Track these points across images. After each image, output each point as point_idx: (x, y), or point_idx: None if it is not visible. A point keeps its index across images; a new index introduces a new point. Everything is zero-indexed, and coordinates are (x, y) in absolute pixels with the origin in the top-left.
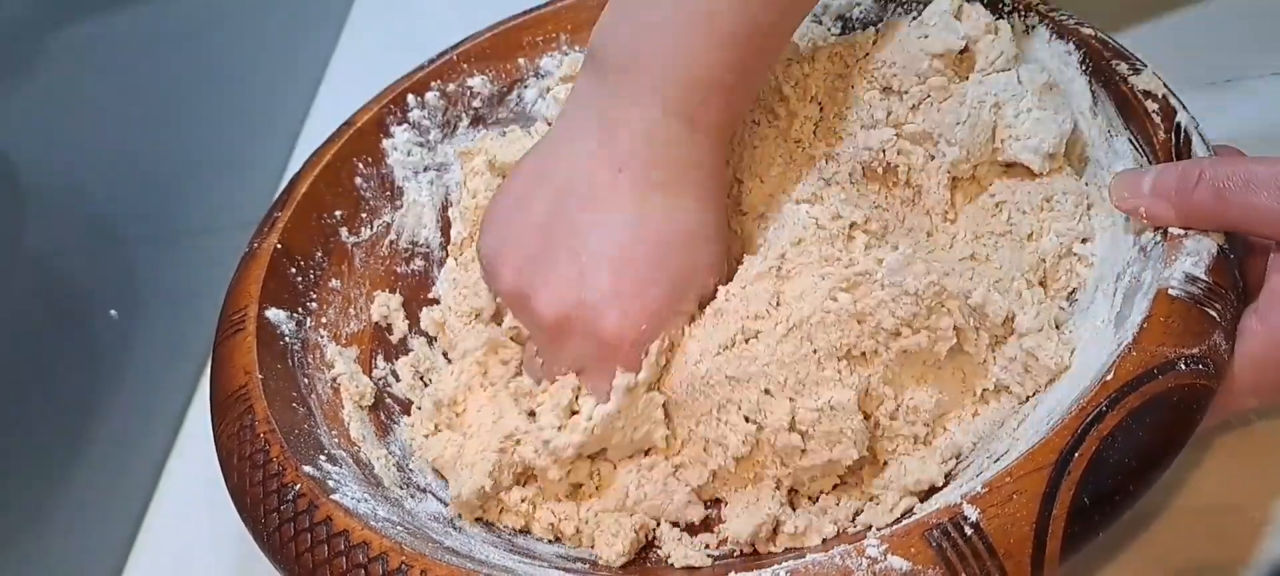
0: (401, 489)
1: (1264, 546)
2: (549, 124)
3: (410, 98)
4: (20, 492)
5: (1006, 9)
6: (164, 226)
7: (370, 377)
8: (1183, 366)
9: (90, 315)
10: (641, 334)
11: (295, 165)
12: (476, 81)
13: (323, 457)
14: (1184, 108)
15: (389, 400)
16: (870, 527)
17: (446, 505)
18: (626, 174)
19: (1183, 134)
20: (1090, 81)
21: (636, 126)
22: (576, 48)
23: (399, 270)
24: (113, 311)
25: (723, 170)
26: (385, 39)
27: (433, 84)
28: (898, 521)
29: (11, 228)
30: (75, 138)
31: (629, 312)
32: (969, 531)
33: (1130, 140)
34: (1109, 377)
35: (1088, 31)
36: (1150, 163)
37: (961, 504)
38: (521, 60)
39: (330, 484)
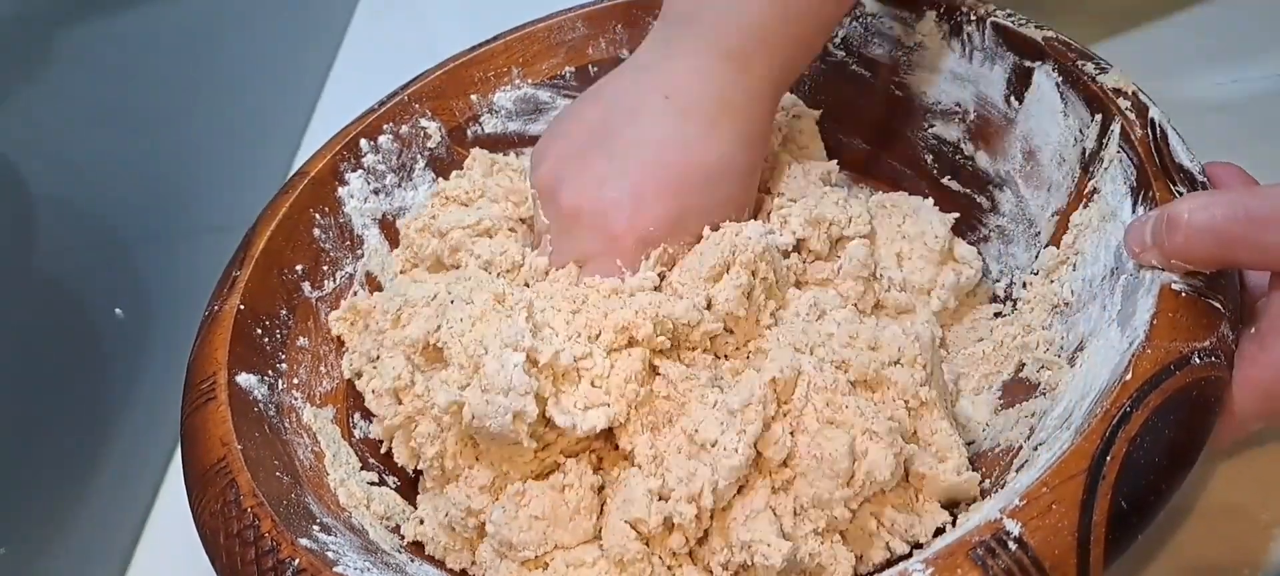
0: (401, 553)
1: (1271, 548)
2: None
3: (363, 142)
4: (27, 491)
5: (964, 16)
6: (170, 226)
7: (349, 440)
8: (1197, 360)
9: (96, 313)
10: (647, 235)
11: (300, 163)
12: (430, 122)
13: (316, 527)
14: (1153, 104)
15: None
16: (912, 551)
17: None
18: (673, 100)
19: (1159, 129)
20: (1058, 84)
21: (691, 62)
22: (529, 81)
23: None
24: (118, 310)
25: (768, 118)
26: (389, 40)
27: (385, 127)
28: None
29: (19, 227)
30: (81, 139)
31: (639, 215)
32: (1013, 546)
33: None
34: (1128, 377)
35: (1049, 33)
36: (1130, 159)
37: (1001, 518)
38: (474, 96)
39: (330, 555)
